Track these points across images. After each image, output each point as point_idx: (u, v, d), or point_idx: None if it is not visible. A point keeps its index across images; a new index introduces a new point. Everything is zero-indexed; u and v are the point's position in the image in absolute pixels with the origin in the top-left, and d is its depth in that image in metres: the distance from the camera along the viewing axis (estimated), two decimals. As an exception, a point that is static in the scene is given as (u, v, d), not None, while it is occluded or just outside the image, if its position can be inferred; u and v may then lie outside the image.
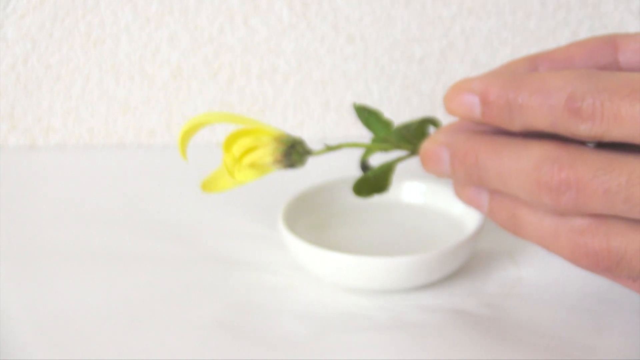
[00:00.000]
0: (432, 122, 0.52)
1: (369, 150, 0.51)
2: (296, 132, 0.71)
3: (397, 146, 0.50)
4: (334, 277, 0.51)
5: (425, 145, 0.48)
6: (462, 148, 0.46)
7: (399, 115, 0.71)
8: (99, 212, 0.61)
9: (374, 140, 0.51)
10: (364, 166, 0.52)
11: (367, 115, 0.51)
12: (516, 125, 0.44)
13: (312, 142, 0.71)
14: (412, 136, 0.51)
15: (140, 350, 0.47)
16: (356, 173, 0.54)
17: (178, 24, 0.68)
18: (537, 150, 0.44)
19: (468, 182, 0.47)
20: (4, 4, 0.66)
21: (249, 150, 0.50)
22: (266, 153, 0.49)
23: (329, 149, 0.50)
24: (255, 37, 0.69)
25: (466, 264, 0.53)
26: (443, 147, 0.47)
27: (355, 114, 0.52)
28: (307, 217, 0.56)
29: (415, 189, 0.58)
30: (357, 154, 0.56)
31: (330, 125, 0.71)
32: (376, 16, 0.69)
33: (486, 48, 0.71)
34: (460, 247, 0.50)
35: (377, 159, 0.52)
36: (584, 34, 0.71)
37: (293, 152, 0.50)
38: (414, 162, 0.57)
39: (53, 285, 0.52)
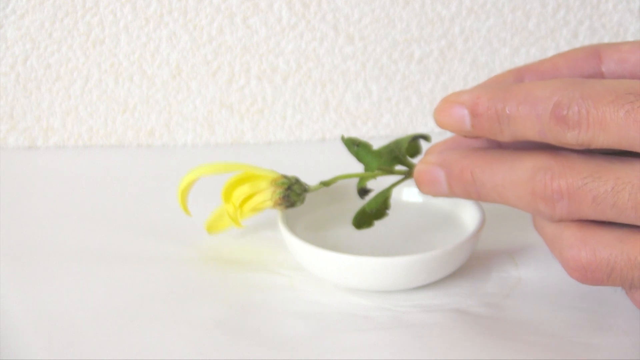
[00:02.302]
0: (423, 137, 0.52)
1: (363, 178, 0.52)
2: (295, 133, 0.71)
3: (391, 172, 0.52)
4: (334, 277, 0.51)
5: (419, 168, 0.49)
6: (457, 166, 0.47)
7: (398, 115, 0.71)
8: (98, 212, 0.61)
9: (366, 171, 0.53)
10: (363, 191, 0.53)
11: (357, 149, 0.52)
12: (506, 135, 0.45)
13: (311, 142, 0.71)
14: (404, 155, 0.52)
15: (140, 350, 0.47)
16: (355, 172, 0.54)
17: (177, 24, 0.68)
18: (530, 161, 0.44)
19: (467, 198, 0.48)
20: (4, 4, 0.66)
21: (248, 197, 0.52)
22: (265, 198, 0.53)
23: (324, 184, 0.53)
24: (255, 37, 0.69)
25: (466, 264, 0.53)
26: (437, 168, 0.48)
27: (345, 147, 0.53)
28: (306, 217, 0.56)
29: (415, 189, 0.57)
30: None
31: (329, 125, 0.71)
32: (375, 16, 0.69)
33: (485, 48, 0.71)
34: (460, 247, 0.50)
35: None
36: (583, 33, 0.71)
37: (291, 194, 0.52)
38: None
39: (53, 285, 0.52)
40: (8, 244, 0.56)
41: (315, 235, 0.55)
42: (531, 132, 0.44)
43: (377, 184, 0.54)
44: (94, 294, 0.51)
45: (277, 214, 0.54)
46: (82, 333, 0.48)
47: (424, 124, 0.72)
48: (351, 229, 0.53)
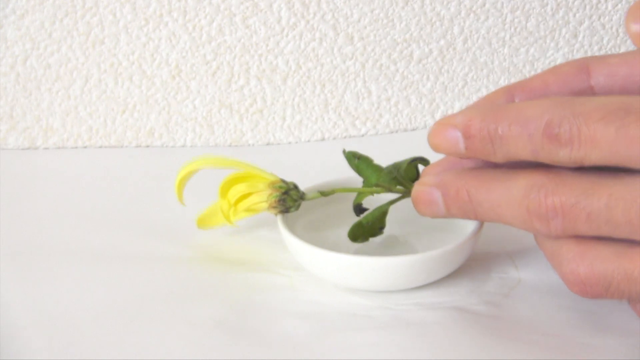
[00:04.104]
0: (421, 160, 0.53)
1: (361, 194, 0.53)
2: (295, 133, 0.71)
3: (389, 190, 0.52)
4: (334, 277, 0.51)
5: (417, 189, 0.50)
6: (453, 186, 0.48)
7: (397, 115, 0.71)
8: (98, 212, 0.61)
9: (366, 185, 0.53)
10: (358, 209, 0.53)
11: (358, 162, 0.53)
12: (499, 156, 0.46)
13: (310, 142, 0.72)
14: (403, 177, 0.52)
15: (140, 350, 0.47)
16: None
17: (177, 24, 0.68)
18: (524, 180, 0.45)
19: (464, 218, 0.48)
20: (4, 4, 0.66)
21: (244, 197, 0.52)
22: (261, 199, 0.53)
23: (323, 194, 0.53)
24: (254, 37, 0.69)
25: (466, 265, 0.53)
26: (434, 189, 0.49)
27: (346, 160, 0.53)
28: (306, 216, 0.56)
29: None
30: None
31: (329, 125, 0.71)
32: (374, 16, 0.69)
33: (484, 48, 0.71)
34: (460, 247, 0.50)
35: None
36: (582, 33, 0.71)
37: (287, 199, 0.52)
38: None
39: (53, 285, 0.52)
40: (8, 243, 0.56)
41: (315, 235, 0.55)
42: (524, 151, 0.45)
43: (375, 200, 0.54)
44: (94, 294, 0.51)
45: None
46: (82, 333, 0.48)
47: (424, 124, 0.72)
48: (351, 229, 0.53)
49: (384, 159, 0.55)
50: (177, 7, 0.68)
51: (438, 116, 0.72)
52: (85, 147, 0.70)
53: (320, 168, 0.66)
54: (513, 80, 0.72)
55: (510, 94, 0.50)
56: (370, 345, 0.47)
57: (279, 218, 0.53)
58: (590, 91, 0.49)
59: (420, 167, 0.53)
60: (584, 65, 0.49)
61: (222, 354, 0.46)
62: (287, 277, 0.53)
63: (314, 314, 0.50)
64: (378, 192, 0.53)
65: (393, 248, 0.54)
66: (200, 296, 0.51)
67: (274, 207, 0.53)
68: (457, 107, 0.72)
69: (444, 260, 0.50)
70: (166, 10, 0.68)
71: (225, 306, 0.50)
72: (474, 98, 0.72)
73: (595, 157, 0.43)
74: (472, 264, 0.53)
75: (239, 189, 0.53)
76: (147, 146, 0.70)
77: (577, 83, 0.49)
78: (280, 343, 0.47)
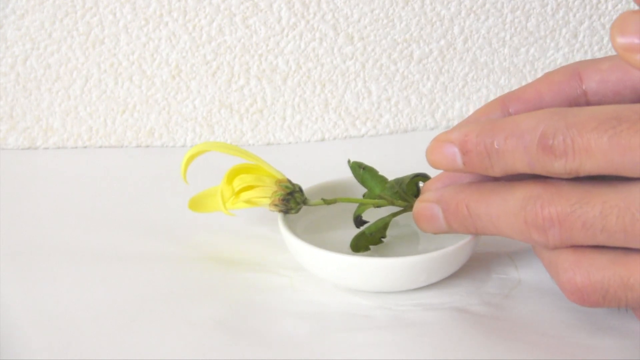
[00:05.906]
0: (423, 177, 0.53)
1: (363, 206, 0.53)
2: (295, 133, 0.71)
3: (391, 202, 0.52)
4: (334, 277, 0.51)
5: (418, 206, 0.50)
6: (452, 201, 0.48)
7: (397, 115, 0.71)
8: (98, 212, 0.61)
9: (368, 197, 0.53)
10: (359, 221, 0.53)
11: (362, 172, 0.53)
12: (497, 170, 0.46)
13: (310, 142, 0.71)
14: (405, 192, 0.52)
15: (140, 350, 0.47)
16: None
17: (177, 24, 0.68)
18: (520, 191, 0.45)
19: (465, 232, 0.49)
20: (4, 4, 0.66)
21: (248, 188, 0.52)
22: (265, 194, 0.53)
23: (326, 202, 0.53)
24: (254, 37, 0.69)
25: (466, 266, 0.53)
26: (434, 205, 0.49)
27: (351, 171, 0.53)
28: (307, 217, 0.56)
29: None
30: (355, 155, 0.56)
31: (329, 125, 0.71)
32: (375, 16, 0.69)
33: (485, 48, 0.71)
34: (461, 248, 0.50)
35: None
36: (582, 33, 0.71)
37: (291, 200, 0.52)
38: (412, 159, 0.57)
39: (53, 286, 0.52)
40: (8, 243, 0.56)
41: (316, 236, 0.55)
42: (520, 164, 0.45)
43: (376, 211, 0.54)
44: (94, 294, 0.51)
45: (277, 214, 0.54)
46: (82, 333, 0.48)
47: (424, 124, 0.72)
48: (351, 230, 0.53)
49: (384, 159, 0.55)
50: (177, 7, 0.68)
51: (438, 116, 0.72)
52: (85, 147, 0.70)
53: (320, 168, 0.66)
54: (513, 80, 0.72)
55: (504, 105, 0.50)
56: (370, 345, 0.47)
57: (279, 218, 0.53)
58: (583, 97, 0.50)
59: (421, 183, 0.53)
60: (576, 72, 0.50)
61: (222, 354, 0.46)
62: (287, 277, 0.53)
63: (314, 314, 0.50)
64: (380, 205, 0.53)
65: (393, 249, 0.54)
66: (200, 296, 0.51)
67: (276, 205, 0.53)
68: (457, 107, 0.72)
69: (445, 262, 0.50)
70: (166, 10, 0.68)
71: (225, 306, 0.50)
72: (474, 98, 0.72)
73: (589, 166, 0.43)
74: (473, 265, 0.53)
75: (246, 179, 0.53)
76: (147, 146, 0.70)
77: (570, 90, 0.50)
78: (280, 343, 0.47)
